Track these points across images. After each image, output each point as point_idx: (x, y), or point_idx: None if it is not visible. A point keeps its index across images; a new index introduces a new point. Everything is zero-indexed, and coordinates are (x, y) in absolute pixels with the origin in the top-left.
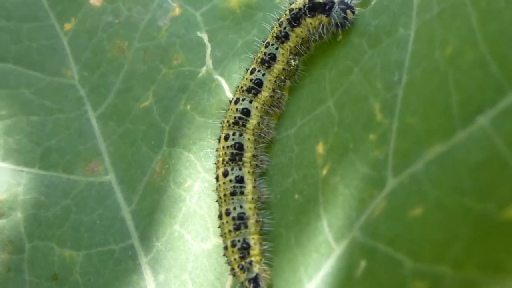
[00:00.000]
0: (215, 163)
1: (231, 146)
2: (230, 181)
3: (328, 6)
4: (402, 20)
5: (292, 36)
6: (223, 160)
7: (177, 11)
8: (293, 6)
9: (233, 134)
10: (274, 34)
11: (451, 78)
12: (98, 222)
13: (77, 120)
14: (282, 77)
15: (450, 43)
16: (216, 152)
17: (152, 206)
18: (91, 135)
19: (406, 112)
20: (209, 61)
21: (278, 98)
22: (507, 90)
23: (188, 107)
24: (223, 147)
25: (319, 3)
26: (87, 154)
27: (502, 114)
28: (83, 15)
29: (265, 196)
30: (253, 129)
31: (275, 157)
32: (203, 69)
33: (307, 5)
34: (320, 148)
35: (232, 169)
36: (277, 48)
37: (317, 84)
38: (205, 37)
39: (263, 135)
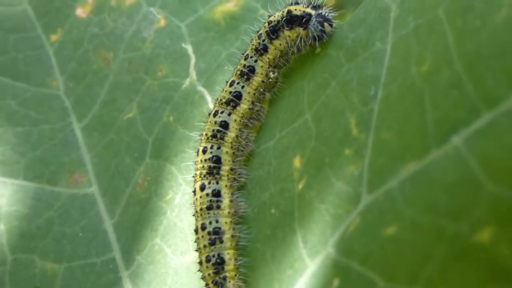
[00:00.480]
0: (193, 176)
1: (209, 159)
2: (207, 195)
3: (305, 19)
4: (379, 34)
5: (271, 48)
6: (200, 173)
7: (162, 22)
8: (271, 18)
9: (211, 147)
10: (253, 47)
11: (427, 96)
12: (80, 234)
13: (62, 131)
14: (261, 90)
15: (426, 60)
16: (195, 165)
17: (134, 219)
18: (76, 146)
19: (381, 128)
20: (193, 72)
21: (257, 111)
22: (482, 111)
23: (172, 118)
24: (201, 160)
25: (296, 15)
26: (71, 165)
27: (476, 135)
28: (70, 26)
29: (242, 210)
30: (231, 142)
31: (254, 170)
32: (187, 81)
33: (284, 18)
34: (297, 162)
35: (209, 183)
36: (256, 61)
37: (295, 96)
38: (189, 48)
39: (241, 148)
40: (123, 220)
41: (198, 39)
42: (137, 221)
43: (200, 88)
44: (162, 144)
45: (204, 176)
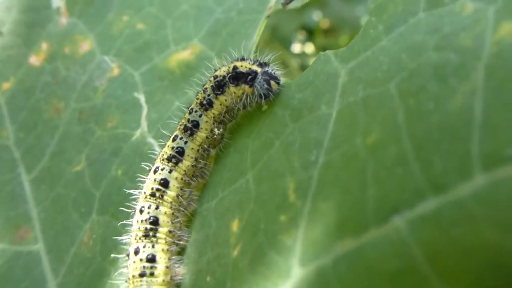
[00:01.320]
0: (129, 238)
1: (145, 220)
2: (141, 260)
3: (250, 76)
4: (326, 97)
5: (216, 103)
6: (136, 235)
7: (116, 71)
8: (217, 73)
9: (149, 207)
10: (198, 101)
11: (370, 170)
12: None
13: (10, 183)
14: (206, 146)
15: (373, 132)
16: (131, 225)
17: (77, 280)
18: (23, 199)
19: (319, 197)
20: (144, 123)
21: (201, 168)
22: (427, 195)
23: (120, 172)
24: (137, 221)
25: (242, 73)
26: (17, 220)
27: (420, 220)
28: (22, 75)
29: (179, 277)
30: (171, 202)
31: (195, 232)
32: (137, 132)
33: (230, 74)
34: (235, 226)
35: (144, 246)
36: (200, 115)
37: (240, 154)
38: (142, 98)
39: (182, 208)
40: (67, 281)
41: (152, 88)
42: (81, 282)
43: (150, 139)
44: (109, 200)
45: (140, 238)
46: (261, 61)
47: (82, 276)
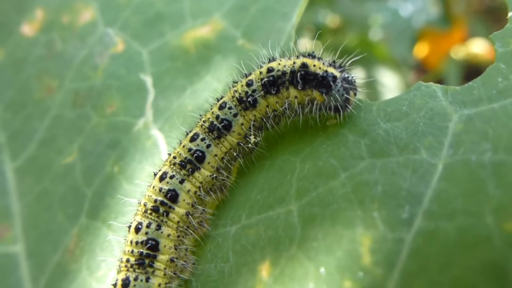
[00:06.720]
0: (119, 260)
1: (142, 243)
2: None
3: (325, 81)
4: (428, 141)
5: (262, 104)
6: (127, 261)
7: (120, 47)
8: (273, 65)
9: (148, 226)
10: (237, 95)
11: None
12: None
13: None
14: (234, 154)
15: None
16: (124, 244)
17: None
18: (4, 191)
19: (416, 276)
20: (149, 111)
21: (222, 181)
22: None
23: (116, 169)
24: (131, 242)
25: (314, 74)
26: None
27: None
28: (13, 46)
29: None
30: (178, 222)
31: (204, 262)
32: (140, 121)
33: (298, 72)
34: (265, 271)
35: (136, 279)
36: (235, 115)
37: (280, 174)
38: (148, 80)
39: (191, 231)
40: None
41: (161, 70)
42: None
43: (155, 132)
44: (101, 202)
45: (131, 267)
46: (336, 64)
47: None
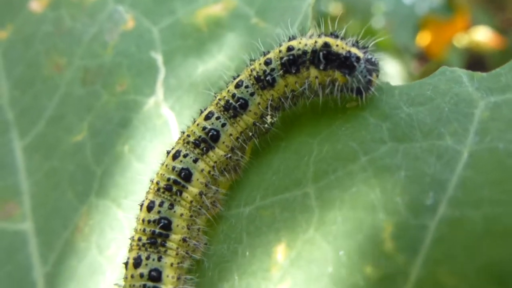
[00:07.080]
0: (130, 239)
1: (154, 222)
2: (141, 275)
3: (349, 61)
4: (453, 127)
5: (281, 84)
6: (139, 239)
7: (130, 24)
8: (294, 43)
9: (160, 205)
10: (254, 73)
11: None
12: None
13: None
14: (250, 134)
15: None
16: (135, 222)
17: (68, 274)
18: (13, 169)
19: (439, 263)
20: (159, 89)
21: (236, 160)
22: None
23: (126, 148)
24: (143, 221)
25: (337, 54)
26: (5, 192)
27: None
28: (21, 22)
29: None
30: (191, 202)
31: (216, 242)
32: (151, 100)
33: (320, 52)
34: (281, 253)
35: (148, 257)
36: (252, 94)
37: (296, 156)
38: (159, 58)
39: (204, 211)
40: (56, 273)
41: (172, 48)
42: (71, 278)
43: (166, 111)
44: (111, 180)
45: (143, 246)
46: (358, 43)
47: (73, 269)
